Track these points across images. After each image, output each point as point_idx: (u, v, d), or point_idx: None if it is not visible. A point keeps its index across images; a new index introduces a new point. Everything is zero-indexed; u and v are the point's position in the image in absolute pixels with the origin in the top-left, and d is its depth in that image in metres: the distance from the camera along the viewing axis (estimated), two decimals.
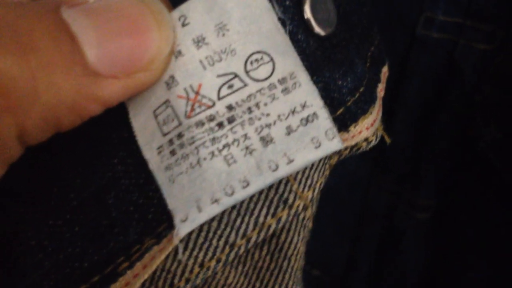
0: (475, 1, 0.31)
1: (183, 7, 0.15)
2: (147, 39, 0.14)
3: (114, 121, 0.15)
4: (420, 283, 0.36)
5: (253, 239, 0.16)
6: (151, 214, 0.15)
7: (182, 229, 0.15)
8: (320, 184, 0.16)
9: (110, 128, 0.15)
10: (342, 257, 0.36)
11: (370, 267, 0.36)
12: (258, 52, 0.15)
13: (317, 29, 0.16)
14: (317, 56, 0.16)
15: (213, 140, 0.15)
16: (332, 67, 0.16)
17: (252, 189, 0.15)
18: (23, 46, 0.13)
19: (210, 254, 0.16)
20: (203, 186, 0.15)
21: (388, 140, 0.19)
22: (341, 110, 0.16)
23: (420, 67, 0.32)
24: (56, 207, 0.16)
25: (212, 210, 0.15)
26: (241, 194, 0.15)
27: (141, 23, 0.14)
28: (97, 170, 0.15)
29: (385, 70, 0.20)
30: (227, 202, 0.15)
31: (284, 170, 0.15)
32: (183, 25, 0.15)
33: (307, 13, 0.16)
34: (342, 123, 0.16)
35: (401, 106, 0.32)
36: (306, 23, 0.16)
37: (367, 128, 0.17)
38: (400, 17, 0.32)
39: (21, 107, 0.13)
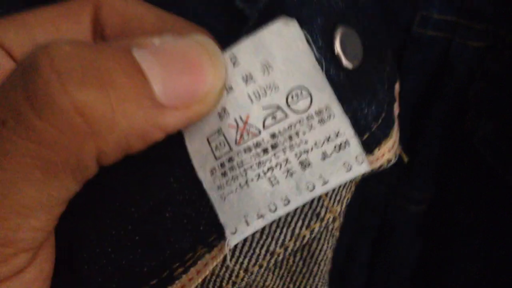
0: (469, 0, 0.31)
1: (234, 49, 0.18)
2: (203, 76, 0.17)
3: (171, 145, 0.18)
4: (413, 274, 0.36)
5: (290, 247, 0.18)
6: (202, 226, 0.18)
7: (232, 240, 0.17)
8: (347, 200, 0.19)
9: (168, 152, 0.18)
10: (342, 248, 0.37)
11: (368, 258, 0.37)
12: (298, 87, 0.17)
13: (346, 63, 0.18)
14: (346, 88, 0.18)
15: (259, 164, 0.17)
16: (359, 97, 0.18)
17: (293, 206, 0.17)
18: (104, 82, 0.15)
19: (253, 260, 0.18)
20: (251, 203, 0.17)
21: (405, 159, 0.21)
22: (366, 136, 0.18)
23: (415, 65, 0.33)
24: (119, 219, 0.18)
25: (258, 224, 0.17)
26: (283, 210, 0.17)
27: (198, 63, 0.17)
28: (156, 187, 0.18)
29: (397, 86, 0.22)
30: (271, 217, 0.17)
31: (320, 190, 0.17)
32: (234, 64, 0.18)
33: (337, 49, 0.18)
34: (368, 147, 0.18)
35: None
36: (336, 58, 0.18)
37: (389, 151, 0.19)
38: (395, 15, 0.32)
39: (101, 133, 0.15)
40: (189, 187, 0.18)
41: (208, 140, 0.18)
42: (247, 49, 0.18)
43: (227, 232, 0.17)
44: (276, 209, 0.17)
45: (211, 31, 0.21)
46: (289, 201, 0.17)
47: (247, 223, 0.17)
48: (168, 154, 0.18)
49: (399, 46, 0.33)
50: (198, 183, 0.18)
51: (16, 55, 0.21)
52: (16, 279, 0.17)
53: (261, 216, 0.17)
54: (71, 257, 0.19)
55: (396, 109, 0.21)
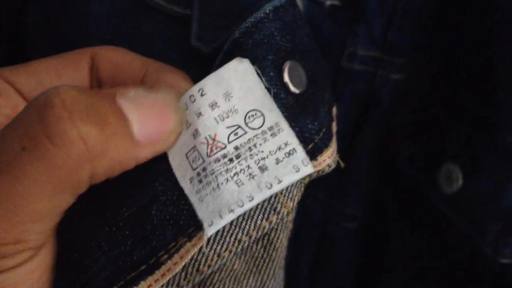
0: (389, 38, 0.34)
1: (201, 83, 0.22)
2: (167, 122, 0.21)
3: (155, 160, 0.22)
4: (353, 285, 0.39)
5: (254, 236, 0.22)
6: (182, 221, 0.22)
7: (209, 231, 0.21)
8: (298, 197, 0.23)
9: (152, 165, 0.22)
10: (287, 260, 0.39)
11: (309, 272, 0.39)
12: (253, 110, 0.22)
13: (293, 89, 0.23)
14: (294, 108, 0.22)
15: (227, 170, 0.21)
16: (304, 116, 0.23)
17: (256, 202, 0.21)
18: (101, 121, 0.20)
19: (224, 247, 0.22)
20: (223, 202, 0.21)
21: (342, 165, 0.24)
22: (311, 145, 0.23)
23: (346, 95, 0.36)
24: (111, 217, 0.22)
25: (229, 217, 0.21)
26: (248, 205, 0.21)
27: (165, 111, 0.21)
28: (144, 190, 0.22)
29: (334, 110, 0.26)
30: (239, 211, 0.21)
31: (276, 188, 0.21)
32: (202, 95, 0.22)
33: (286, 78, 0.23)
34: (312, 155, 0.22)
35: None
36: (286, 85, 0.22)
37: (329, 157, 0.24)
38: (327, 50, 0.35)
39: (96, 159, 0.19)
40: (170, 190, 0.22)
41: (186, 155, 0.22)
42: (211, 83, 0.22)
43: (205, 225, 0.21)
44: (243, 204, 0.21)
45: (174, 65, 0.25)
46: (252, 198, 0.21)
47: (221, 217, 0.21)
48: (153, 166, 0.22)
49: (331, 78, 0.35)
50: (177, 187, 0.22)
51: (25, 94, 0.25)
52: (21, 268, 0.20)
53: (231, 211, 0.21)
54: (70, 251, 0.22)
55: (334, 127, 0.25)
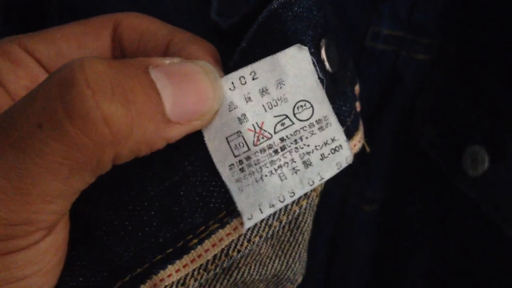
0: (414, 17, 0.34)
1: (254, 65, 0.21)
2: (204, 99, 0.20)
3: (185, 138, 0.21)
4: (370, 268, 0.39)
5: (284, 221, 0.22)
6: (212, 204, 0.21)
7: (248, 224, 0.21)
8: (324, 182, 0.22)
9: (181, 141, 0.20)
10: None
11: (325, 255, 0.39)
12: (302, 100, 0.21)
13: (328, 67, 0.22)
14: (330, 89, 0.22)
15: (271, 162, 0.21)
16: (340, 97, 0.22)
17: (296, 197, 0.21)
18: (127, 100, 0.18)
19: (255, 232, 0.22)
20: (264, 195, 0.21)
21: (368, 149, 0.24)
22: (343, 128, 0.22)
23: (369, 75, 0.35)
24: (136, 196, 0.21)
25: (269, 212, 0.21)
26: (289, 200, 0.21)
27: (202, 87, 0.20)
28: (172, 170, 0.21)
29: (357, 88, 0.25)
30: (279, 206, 0.21)
31: (317, 183, 0.21)
32: (253, 78, 0.21)
33: (323, 55, 0.22)
34: None
35: None
36: (322, 62, 0.22)
37: (359, 141, 0.23)
38: (350, 30, 0.35)
39: (120, 141, 0.18)
40: (200, 170, 0.21)
41: (227, 139, 0.21)
42: (265, 67, 0.21)
43: (244, 218, 0.21)
44: (284, 200, 0.21)
45: None
46: (294, 193, 0.21)
47: (261, 211, 0.21)
48: (182, 143, 0.21)
49: (354, 58, 0.35)
50: (208, 167, 0.21)
51: (44, 64, 0.24)
52: (34, 248, 0.19)
53: (272, 206, 0.21)
54: (89, 230, 0.22)
55: (358, 107, 0.25)
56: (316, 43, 0.22)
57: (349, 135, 0.23)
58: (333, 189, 0.38)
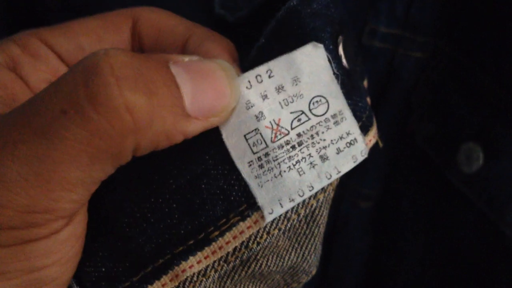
0: (411, 16, 0.34)
1: (270, 64, 0.21)
2: (222, 96, 0.20)
3: (204, 132, 0.21)
4: (366, 262, 0.39)
5: (302, 214, 0.23)
6: (233, 197, 0.22)
7: (269, 218, 0.21)
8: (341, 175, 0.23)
9: (200, 136, 0.21)
10: None
11: (322, 250, 0.39)
12: (318, 96, 0.21)
13: (345, 63, 0.22)
14: (347, 84, 0.22)
15: (289, 158, 0.21)
16: (355, 92, 0.23)
17: (315, 191, 0.22)
18: (149, 90, 0.18)
19: (274, 225, 0.22)
20: (284, 190, 0.21)
21: (381, 144, 0.25)
22: (359, 124, 0.23)
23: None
24: (157, 189, 0.22)
25: (289, 206, 0.22)
26: (308, 194, 0.22)
27: (220, 84, 0.20)
28: (192, 163, 0.21)
29: (365, 83, 0.26)
30: (298, 200, 0.22)
31: (334, 177, 0.22)
32: (269, 77, 0.21)
33: (340, 51, 0.22)
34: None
35: None
36: (340, 58, 0.22)
37: (374, 137, 0.24)
38: None
39: (141, 130, 0.18)
40: (221, 163, 0.22)
41: (245, 136, 0.21)
42: (282, 66, 0.21)
43: (265, 213, 0.21)
44: (303, 194, 0.22)
45: None
46: (312, 188, 0.22)
47: (281, 206, 0.21)
48: (201, 138, 0.21)
49: None
50: (228, 160, 0.22)
51: (64, 57, 0.24)
52: (53, 237, 0.20)
53: (292, 200, 0.21)
54: (110, 222, 0.22)
55: (369, 101, 0.25)
56: (334, 40, 0.22)
57: (365, 130, 0.23)
58: None
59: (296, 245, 0.24)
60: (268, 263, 0.24)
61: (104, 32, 0.24)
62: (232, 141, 0.21)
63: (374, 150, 0.37)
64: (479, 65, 0.32)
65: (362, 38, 0.36)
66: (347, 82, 0.22)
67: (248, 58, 0.22)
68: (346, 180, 0.38)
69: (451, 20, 0.34)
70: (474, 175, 0.31)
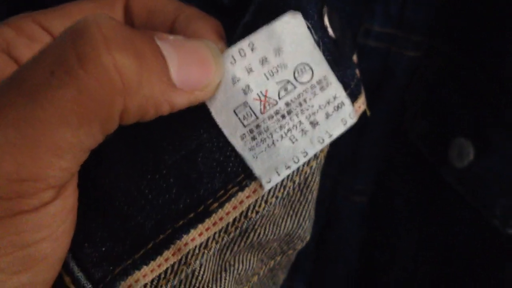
0: (405, 15, 0.35)
1: (251, 37, 0.22)
2: (207, 71, 0.21)
3: (193, 109, 0.21)
4: (356, 257, 0.40)
5: (297, 181, 0.23)
6: (230, 168, 0.22)
7: (267, 187, 0.22)
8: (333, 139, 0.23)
9: (191, 112, 0.21)
10: None
11: (315, 246, 0.40)
12: (301, 63, 0.22)
13: (331, 33, 0.23)
14: (335, 53, 0.23)
15: (281, 127, 0.22)
16: (344, 61, 0.23)
17: (309, 157, 0.22)
18: (138, 53, 0.19)
19: (271, 193, 0.23)
20: (279, 159, 0.22)
21: (368, 113, 0.25)
22: (348, 91, 0.23)
23: (359, 71, 0.36)
24: (153, 166, 0.22)
25: (286, 173, 0.22)
26: (303, 161, 0.22)
27: (205, 59, 0.21)
28: (187, 138, 0.22)
29: (355, 57, 0.26)
30: (294, 167, 0.22)
31: (327, 142, 0.22)
32: (252, 50, 0.22)
33: (326, 22, 0.23)
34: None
35: None
36: (326, 28, 0.23)
37: (363, 104, 0.24)
38: None
39: (130, 92, 0.18)
40: (216, 136, 0.22)
41: (234, 111, 0.22)
42: (263, 37, 0.22)
43: (263, 182, 0.22)
44: (298, 160, 0.22)
45: None
46: (307, 153, 0.22)
47: (278, 174, 0.22)
48: (192, 114, 0.22)
49: None
50: (223, 133, 0.22)
51: None
52: (44, 210, 0.19)
53: (288, 167, 0.22)
54: (107, 201, 0.22)
55: (358, 74, 0.26)
56: (319, 9, 0.23)
57: (353, 97, 0.23)
58: (323, 183, 0.39)
59: (291, 212, 0.25)
60: (266, 232, 0.24)
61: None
62: (223, 117, 0.22)
63: (367, 148, 0.37)
64: (476, 63, 0.32)
65: (357, 38, 0.36)
66: (334, 50, 0.23)
67: (234, 36, 0.23)
68: (339, 176, 0.39)
69: (445, 18, 0.34)
70: (465, 170, 0.32)
